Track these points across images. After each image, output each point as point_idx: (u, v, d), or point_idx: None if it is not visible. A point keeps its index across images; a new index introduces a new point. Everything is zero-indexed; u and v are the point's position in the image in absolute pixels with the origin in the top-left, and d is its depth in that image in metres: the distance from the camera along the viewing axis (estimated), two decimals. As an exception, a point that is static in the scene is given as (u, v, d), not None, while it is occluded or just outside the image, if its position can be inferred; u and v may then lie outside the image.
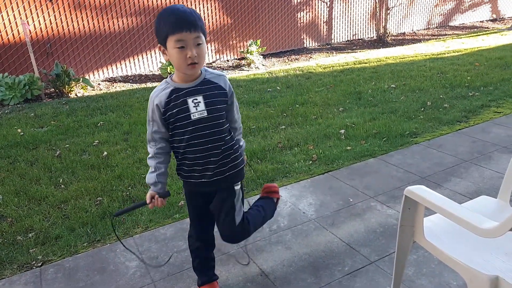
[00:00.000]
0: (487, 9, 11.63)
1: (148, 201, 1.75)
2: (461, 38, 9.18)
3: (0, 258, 2.40)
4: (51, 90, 6.23)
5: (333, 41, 9.31)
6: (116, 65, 7.07)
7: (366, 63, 7.13)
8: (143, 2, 7.01)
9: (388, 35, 9.35)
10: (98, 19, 6.72)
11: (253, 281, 2.10)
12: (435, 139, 3.72)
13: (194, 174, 1.76)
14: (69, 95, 6.05)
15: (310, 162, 3.41)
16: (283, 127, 4.26)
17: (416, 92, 5.14)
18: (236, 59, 8.09)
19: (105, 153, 3.78)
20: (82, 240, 2.54)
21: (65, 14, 6.45)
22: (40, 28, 6.32)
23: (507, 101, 4.61)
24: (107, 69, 7.02)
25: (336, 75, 6.33)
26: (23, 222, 2.75)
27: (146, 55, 7.27)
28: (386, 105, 4.72)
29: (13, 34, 6.14)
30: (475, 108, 4.43)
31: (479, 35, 9.44)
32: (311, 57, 8.10)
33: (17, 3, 6.06)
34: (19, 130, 4.51)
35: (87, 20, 6.64)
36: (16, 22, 6.11)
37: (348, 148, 3.62)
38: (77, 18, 6.55)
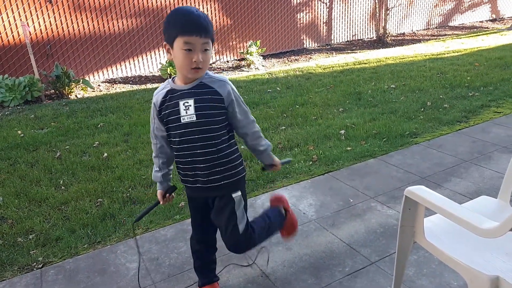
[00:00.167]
0: (486, 9, 11.64)
1: (160, 202, 1.88)
2: (460, 38, 9.19)
3: (1, 260, 2.40)
4: (51, 92, 6.24)
5: (333, 41, 9.32)
6: (116, 66, 7.08)
7: (366, 63, 7.13)
8: (143, 3, 7.02)
9: (388, 36, 9.36)
10: (98, 21, 6.72)
11: (253, 282, 2.10)
12: (435, 139, 3.72)
13: (188, 178, 1.75)
14: (69, 96, 6.06)
15: (310, 162, 3.41)
16: (283, 127, 4.27)
17: (416, 93, 5.14)
18: (236, 60, 8.09)
19: (105, 154, 3.78)
20: (82, 242, 2.54)
21: (65, 16, 6.45)
22: (40, 29, 6.33)
23: (507, 101, 4.61)
24: (107, 71, 7.03)
25: (336, 75, 6.33)
26: (24, 223, 2.75)
27: (146, 56, 7.28)
28: (386, 106, 4.72)
29: (13, 36, 6.15)
30: (475, 108, 4.43)
31: (478, 35, 9.45)
32: (311, 58, 8.11)
33: (17, 4, 6.07)
34: (19, 132, 4.52)
35: (87, 21, 6.65)
36: (16, 24, 6.12)
37: (348, 148, 3.62)
38: (77, 19, 6.55)
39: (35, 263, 2.36)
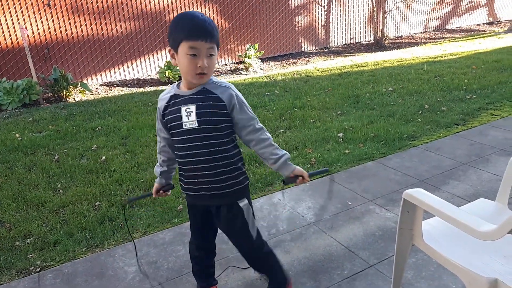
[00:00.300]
0: (483, 12, 11.69)
1: (154, 195, 1.92)
2: (458, 41, 9.22)
3: (-2, 264, 2.39)
4: (49, 95, 6.23)
5: (330, 44, 9.34)
6: (114, 69, 7.08)
7: (363, 66, 7.15)
8: (141, 6, 7.03)
9: (386, 39, 9.39)
10: (96, 24, 6.73)
11: (252, 285, 2.10)
12: (433, 142, 3.73)
13: (191, 186, 1.72)
14: (67, 99, 6.05)
15: (309, 165, 3.41)
16: (282, 130, 4.27)
17: (414, 95, 5.15)
18: (234, 63, 8.10)
19: (104, 157, 3.77)
20: (80, 245, 2.53)
21: (63, 19, 6.45)
22: (38, 32, 6.33)
23: (504, 104, 4.63)
24: (105, 74, 7.03)
25: (334, 78, 6.35)
26: (21, 227, 2.74)
27: (144, 59, 7.28)
28: (384, 108, 4.73)
29: (11, 39, 6.15)
30: (473, 111, 4.44)
31: (476, 38, 9.49)
32: (309, 61, 8.12)
33: (15, 8, 6.07)
34: (17, 135, 4.51)
35: (85, 24, 6.65)
36: (14, 27, 6.11)
37: (347, 151, 3.62)
38: (75, 22, 6.56)
39: (33, 267, 2.35)
